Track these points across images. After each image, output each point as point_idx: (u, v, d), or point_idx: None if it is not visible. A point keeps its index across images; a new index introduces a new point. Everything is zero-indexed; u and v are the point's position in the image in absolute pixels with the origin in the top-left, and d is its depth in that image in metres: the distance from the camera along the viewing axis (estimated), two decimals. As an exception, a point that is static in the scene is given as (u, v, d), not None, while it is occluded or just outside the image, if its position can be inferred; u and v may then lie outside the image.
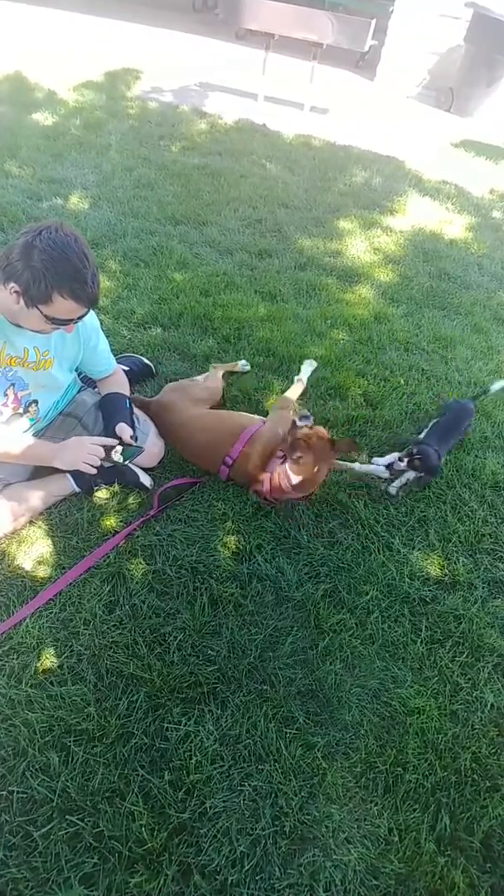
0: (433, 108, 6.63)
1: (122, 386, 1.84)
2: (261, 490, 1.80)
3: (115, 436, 1.66)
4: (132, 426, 1.72)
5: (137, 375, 2.21)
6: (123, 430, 1.67)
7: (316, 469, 1.72)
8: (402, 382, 2.43)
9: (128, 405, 1.78)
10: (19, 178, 3.55)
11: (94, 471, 1.60)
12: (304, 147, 4.69)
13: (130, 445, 1.64)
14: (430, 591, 1.72)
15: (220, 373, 2.21)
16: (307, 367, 2.34)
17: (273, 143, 4.66)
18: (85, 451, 1.58)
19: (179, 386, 2.06)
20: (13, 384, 1.58)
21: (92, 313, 1.63)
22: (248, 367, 2.33)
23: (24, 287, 1.33)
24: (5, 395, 1.58)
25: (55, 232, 1.31)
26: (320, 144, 4.79)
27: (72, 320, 1.44)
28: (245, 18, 5.26)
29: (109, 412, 1.76)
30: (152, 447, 1.89)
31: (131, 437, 1.66)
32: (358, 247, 3.38)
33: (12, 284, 1.34)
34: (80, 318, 1.45)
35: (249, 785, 1.30)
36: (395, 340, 2.67)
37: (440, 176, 4.59)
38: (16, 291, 1.35)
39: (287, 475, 1.73)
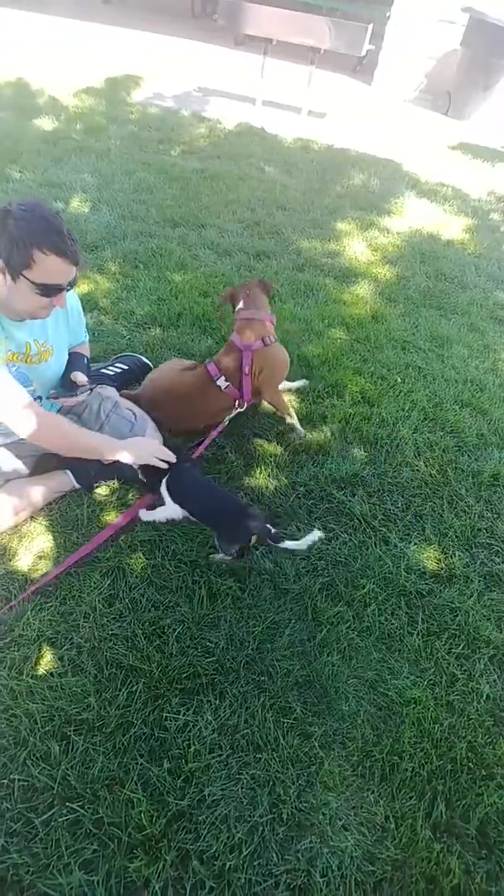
0: (430, 111, 6.69)
1: (85, 352, 1.91)
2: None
3: (70, 382, 1.75)
4: (87, 376, 1.81)
5: (137, 375, 2.24)
6: (77, 376, 1.76)
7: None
8: (399, 380, 2.46)
9: (85, 362, 1.85)
10: (20, 182, 3.60)
11: (165, 465, 1.63)
12: (302, 150, 4.74)
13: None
14: (426, 584, 1.74)
15: None
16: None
17: (271, 147, 4.71)
18: (156, 449, 1.63)
19: (162, 365, 2.16)
20: (17, 381, 1.60)
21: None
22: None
23: (5, 257, 1.32)
24: None
25: (23, 201, 1.34)
26: (318, 148, 4.84)
27: (61, 287, 1.40)
28: (244, 24, 5.33)
29: (71, 363, 1.81)
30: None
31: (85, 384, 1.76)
32: (355, 248, 3.41)
33: None
34: (70, 284, 1.43)
35: (247, 773, 1.31)
36: (392, 339, 2.70)
37: (437, 178, 4.63)
38: (0, 270, 1.35)
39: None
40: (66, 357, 1.82)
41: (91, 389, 1.82)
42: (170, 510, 1.65)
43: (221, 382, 1.95)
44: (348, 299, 2.93)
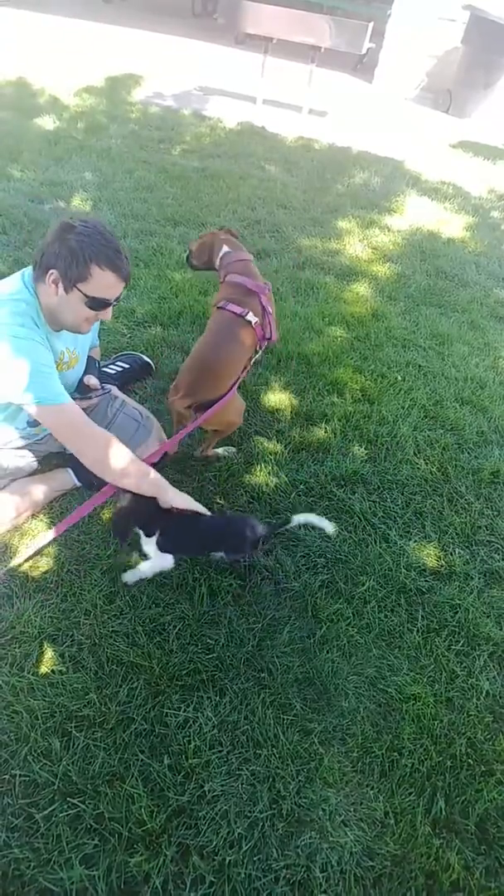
0: (431, 109, 6.68)
1: (96, 355, 1.96)
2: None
3: (84, 386, 1.81)
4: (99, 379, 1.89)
5: (137, 373, 2.25)
6: (90, 379, 1.82)
7: None
8: (399, 378, 2.46)
9: (96, 365, 1.90)
10: (21, 181, 3.61)
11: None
12: (302, 149, 4.74)
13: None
14: (426, 581, 1.74)
15: None
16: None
17: (272, 146, 4.71)
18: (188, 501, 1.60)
19: None
20: None
21: None
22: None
23: (63, 268, 1.38)
24: None
25: (85, 218, 1.42)
26: (319, 146, 4.84)
27: (109, 302, 1.46)
28: (244, 23, 5.33)
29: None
30: (156, 442, 1.91)
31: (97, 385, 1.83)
32: (356, 246, 3.41)
33: (52, 271, 1.39)
34: (115, 300, 1.48)
35: (247, 769, 1.32)
36: (393, 337, 2.70)
37: (438, 176, 4.63)
38: (54, 280, 1.40)
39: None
40: (86, 362, 1.85)
41: (104, 392, 1.87)
42: (159, 562, 1.57)
43: (251, 317, 1.86)
44: (349, 297, 2.93)
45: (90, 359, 1.87)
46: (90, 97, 5.17)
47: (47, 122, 4.50)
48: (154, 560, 1.57)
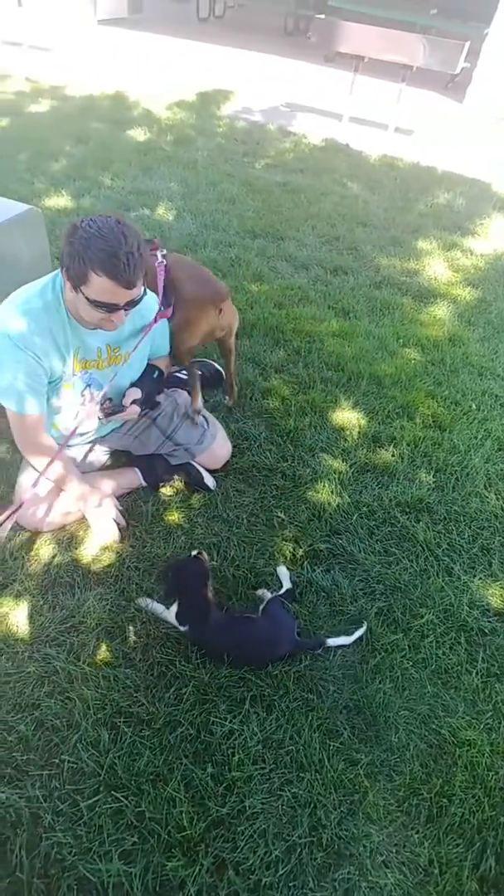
0: (524, 131, 6.45)
1: (163, 365, 1.87)
2: None
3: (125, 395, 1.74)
4: (152, 393, 1.81)
5: (208, 380, 2.29)
6: (131, 392, 1.73)
7: None
8: (474, 407, 2.38)
9: (155, 375, 1.81)
10: (111, 188, 3.79)
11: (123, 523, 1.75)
12: (386, 167, 4.70)
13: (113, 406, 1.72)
14: (489, 622, 1.66)
15: None
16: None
17: (356, 163, 4.71)
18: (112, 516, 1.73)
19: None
20: (89, 385, 1.64)
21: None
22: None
23: (66, 269, 1.34)
24: (82, 395, 1.65)
25: (99, 216, 1.32)
26: (403, 165, 4.79)
27: (117, 306, 1.37)
28: (337, 41, 5.38)
29: (140, 376, 1.79)
30: (219, 449, 1.94)
31: (133, 402, 1.71)
32: (436, 268, 3.34)
33: (63, 269, 1.36)
34: (128, 304, 1.39)
35: (289, 791, 1.30)
36: (469, 364, 2.62)
37: (527, 200, 4.46)
38: (67, 279, 1.36)
39: None
40: (143, 366, 1.80)
41: (144, 414, 1.82)
42: (171, 618, 1.54)
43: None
44: (425, 320, 2.87)
45: (151, 367, 1.81)
46: (181, 111, 5.37)
47: (139, 134, 4.72)
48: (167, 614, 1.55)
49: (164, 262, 1.88)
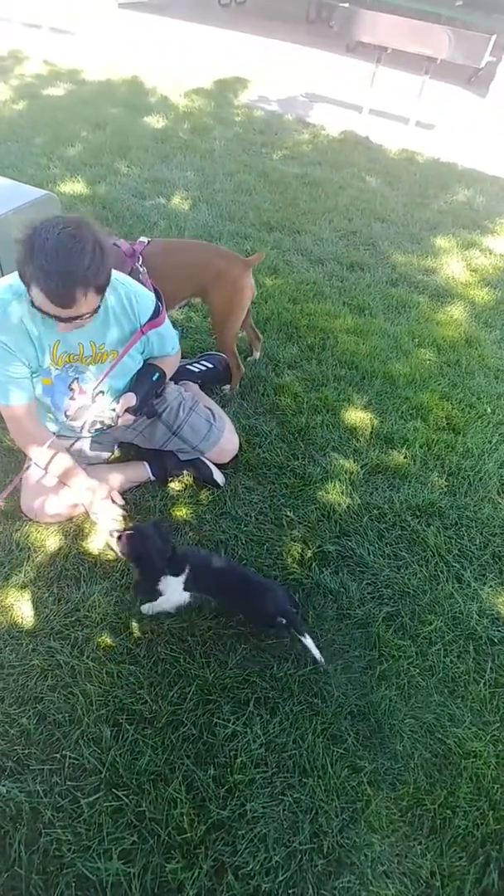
0: (547, 128, 6.32)
1: (167, 365, 1.78)
2: None
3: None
4: (148, 398, 1.71)
5: (220, 374, 2.26)
6: (128, 397, 1.65)
7: None
8: (489, 411, 2.33)
9: (154, 378, 1.71)
10: (127, 176, 3.74)
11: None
12: (406, 162, 4.62)
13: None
14: (499, 631, 1.63)
15: None
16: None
17: (375, 157, 4.63)
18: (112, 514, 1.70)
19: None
20: (77, 378, 1.59)
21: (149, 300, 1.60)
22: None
23: (18, 270, 1.31)
24: (70, 389, 1.60)
25: (60, 224, 1.27)
26: (423, 160, 4.70)
27: (58, 317, 1.32)
28: (360, 31, 5.27)
29: (138, 378, 1.71)
30: (227, 443, 1.92)
31: (127, 410, 1.64)
32: (453, 267, 3.28)
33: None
34: (69, 319, 1.33)
35: (291, 796, 1.28)
36: (486, 366, 2.57)
37: (549, 200, 4.37)
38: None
39: None
40: (138, 365, 1.70)
41: (144, 416, 1.77)
42: (176, 598, 1.52)
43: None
44: (441, 319, 2.82)
45: (153, 368, 1.71)
46: (198, 98, 5.29)
47: (156, 121, 4.65)
48: (171, 597, 1.51)
49: (144, 270, 1.88)
